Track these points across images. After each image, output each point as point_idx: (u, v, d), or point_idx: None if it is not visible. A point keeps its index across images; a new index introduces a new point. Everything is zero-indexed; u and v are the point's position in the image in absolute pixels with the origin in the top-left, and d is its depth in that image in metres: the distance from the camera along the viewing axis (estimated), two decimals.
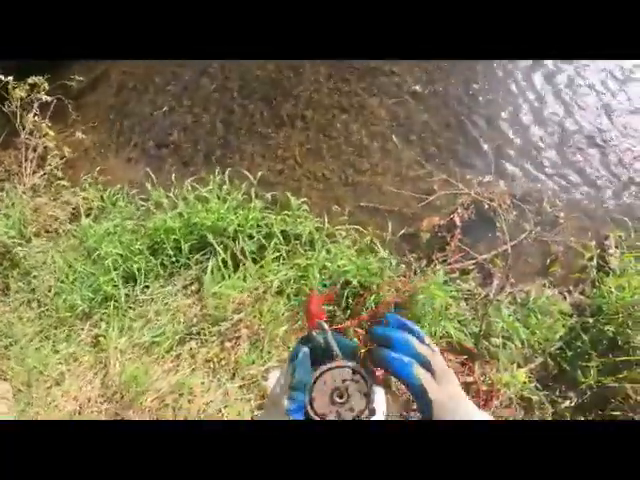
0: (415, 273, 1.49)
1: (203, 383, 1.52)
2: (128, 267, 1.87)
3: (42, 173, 2.54)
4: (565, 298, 1.75)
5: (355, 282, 1.44)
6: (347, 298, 1.46)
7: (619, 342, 1.55)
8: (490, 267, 1.66)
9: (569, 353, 1.57)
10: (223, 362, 1.50)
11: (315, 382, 0.39)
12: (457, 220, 1.67)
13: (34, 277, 2.12)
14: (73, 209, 2.40)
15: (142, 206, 2.05)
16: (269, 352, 1.43)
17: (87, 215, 2.23)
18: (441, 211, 1.74)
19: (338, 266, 1.46)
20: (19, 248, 2.20)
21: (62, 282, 2.04)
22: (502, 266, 1.60)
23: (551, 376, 1.58)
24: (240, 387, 1.45)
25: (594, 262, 1.75)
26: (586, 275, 1.77)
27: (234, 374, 1.44)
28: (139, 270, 1.82)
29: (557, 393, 1.55)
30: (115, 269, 1.90)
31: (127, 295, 1.83)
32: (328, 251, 1.55)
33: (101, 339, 1.83)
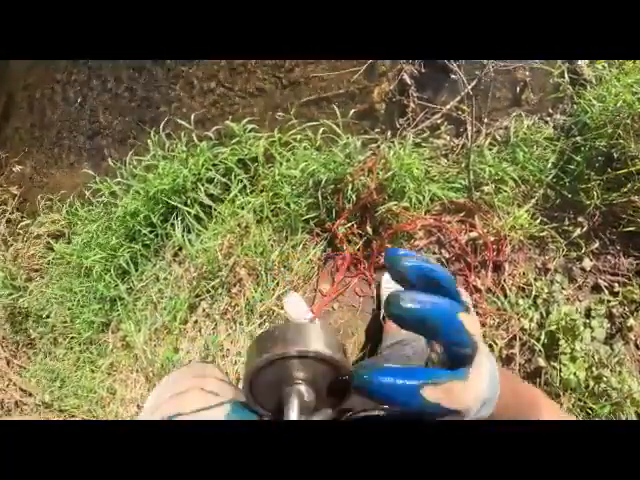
0: (379, 147, 1.38)
1: (229, 334, 1.54)
2: (117, 264, 1.86)
3: (5, 221, 2.47)
4: (547, 123, 1.63)
5: (325, 178, 1.35)
6: (326, 199, 1.38)
7: (615, 155, 1.45)
8: (459, 114, 1.53)
9: (566, 179, 1.49)
10: (237, 308, 1.50)
11: None
12: (407, 78, 1.50)
13: (47, 317, 2.16)
14: (46, 239, 2.37)
15: (100, 202, 1.97)
16: (273, 280, 1.41)
17: (57, 237, 2.21)
18: (388, 75, 1.56)
19: (302, 170, 1.37)
20: (21, 300, 2.21)
21: (70, 308, 2.07)
22: (470, 110, 1.46)
23: (555, 207, 1.52)
24: (260, 325, 1.46)
25: (566, 77, 1.59)
26: (562, 93, 1.62)
27: (248, 316, 1.44)
28: (127, 262, 1.80)
29: (566, 223, 1.50)
30: (107, 271, 1.90)
31: (129, 289, 1.84)
32: (288, 160, 1.45)
33: (127, 339, 1.88)
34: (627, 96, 1.45)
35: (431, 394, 0.25)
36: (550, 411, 0.38)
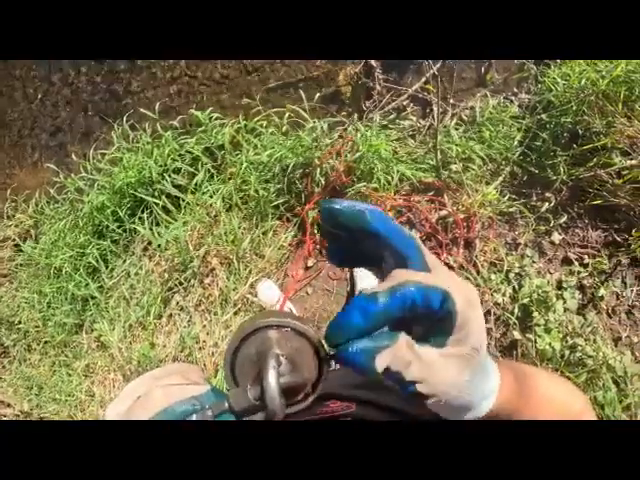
0: (346, 130, 1.36)
1: (204, 326, 1.52)
2: (86, 262, 1.80)
3: None
4: (512, 102, 1.65)
5: (293, 163, 1.33)
6: (294, 183, 1.36)
7: (580, 131, 1.47)
8: (425, 95, 1.52)
9: (533, 155, 1.51)
10: (211, 299, 1.47)
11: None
12: (372, 61, 1.49)
13: (19, 323, 2.08)
14: (13, 242, 2.28)
15: (66, 200, 1.90)
16: (245, 268, 1.38)
17: (25, 239, 2.13)
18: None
19: (269, 156, 1.34)
20: None
21: (41, 311, 2.01)
22: (436, 90, 1.46)
23: (522, 183, 1.54)
24: (235, 314, 1.43)
25: None
26: (526, 73, 1.64)
27: (223, 306, 1.42)
28: (96, 259, 1.75)
29: (534, 198, 1.52)
30: (76, 270, 1.85)
31: (100, 287, 1.79)
32: (255, 146, 1.42)
33: (102, 339, 1.84)
34: (591, 74, 1.48)
35: (391, 360, 0.24)
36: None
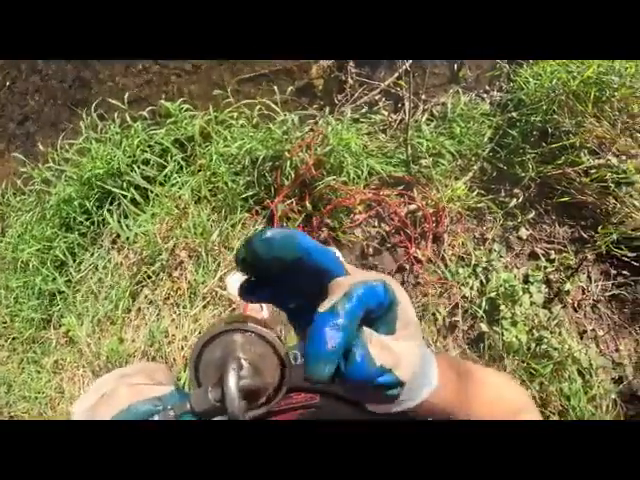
0: (317, 123, 1.36)
1: (173, 319, 1.49)
2: (53, 256, 1.75)
3: None
4: (484, 99, 1.67)
5: (263, 155, 1.32)
6: (264, 176, 1.35)
7: (549, 130, 1.50)
8: (397, 90, 1.53)
9: (502, 152, 1.54)
10: (180, 292, 1.45)
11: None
12: None
13: None
14: None
15: (32, 191, 1.85)
16: (214, 261, 1.37)
17: None
18: None
19: (239, 148, 1.33)
20: None
21: (8, 307, 1.95)
22: (408, 86, 1.47)
23: (491, 179, 1.56)
24: (204, 307, 1.42)
25: None
26: (499, 71, 1.67)
27: (192, 299, 1.40)
28: (64, 253, 1.70)
29: (502, 194, 1.55)
30: (43, 264, 1.79)
31: (67, 281, 1.74)
32: (225, 138, 1.40)
33: (70, 334, 1.79)
34: (562, 74, 1.51)
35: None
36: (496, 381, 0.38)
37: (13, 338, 1.98)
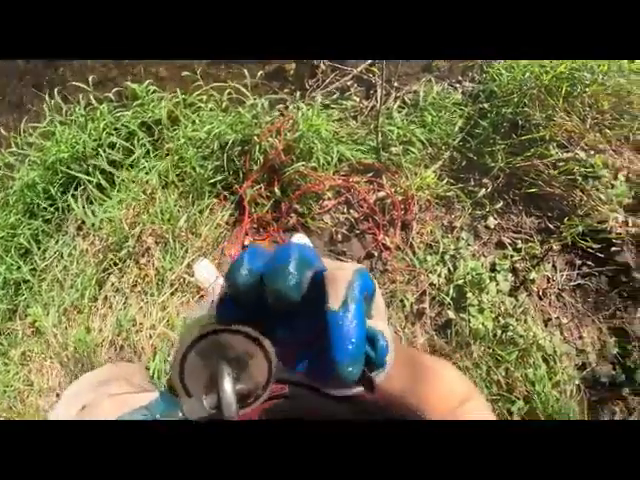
0: (287, 108, 1.35)
1: (141, 307, 1.47)
2: (17, 243, 1.69)
3: None
4: (456, 89, 1.69)
5: (232, 140, 1.30)
6: (233, 161, 1.33)
7: (520, 122, 1.52)
8: (369, 77, 1.53)
9: (473, 142, 1.56)
10: (147, 279, 1.43)
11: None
12: None
13: None
14: None
15: None
16: (182, 248, 1.35)
17: None
18: None
19: (207, 132, 1.30)
20: None
21: None
22: (381, 73, 1.47)
23: (461, 168, 1.59)
24: (172, 294, 1.40)
25: None
26: (472, 62, 1.69)
27: (159, 286, 1.38)
28: (28, 240, 1.64)
29: (471, 183, 1.57)
30: (7, 252, 1.73)
31: (32, 270, 1.69)
32: (194, 122, 1.38)
33: (36, 324, 1.74)
34: (535, 68, 1.54)
35: None
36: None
37: None
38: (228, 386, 0.25)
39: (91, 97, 1.49)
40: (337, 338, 0.23)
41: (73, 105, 1.55)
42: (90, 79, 1.50)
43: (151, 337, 1.45)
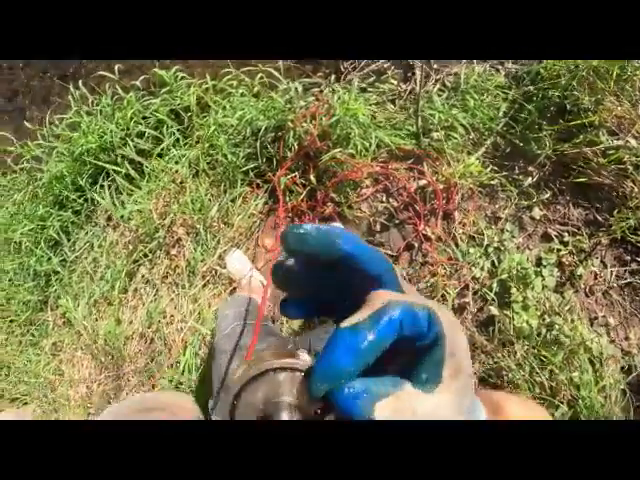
0: (322, 92, 1.27)
1: (172, 299, 1.44)
2: (47, 235, 1.69)
3: None
4: (498, 71, 1.58)
5: (265, 126, 1.24)
6: (266, 148, 1.27)
7: (567, 106, 1.42)
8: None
9: (518, 127, 1.46)
10: (178, 270, 1.39)
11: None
12: None
13: None
14: None
15: (23, 169, 1.78)
16: (213, 238, 1.30)
17: None
18: None
19: (239, 119, 1.25)
20: None
21: (4, 289, 1.91)
22: None
23: (505, 155, 1.49)
24: (204, 286, 1.36)
25: None
26: None
27: (190, 278, 1.34)
28: (58, 232, 1.64)
29: (516, 171, 1.48)
30: (37, 244, 1.74)
31: (62, 261, 1.69)
32: (224, 108, 1.32)
33: (67, 315, 1.75)
34: None
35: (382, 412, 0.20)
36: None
37: (10, 320, 1.94)
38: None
39: (117, 86, 1.46)
40: (323, 353, 0.20)
41: (99, 95, 1.52)
42: (116, 68, 1.47)
43: (182, 330, 1.42)
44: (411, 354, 0.22)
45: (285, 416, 0.23)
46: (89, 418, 1.61)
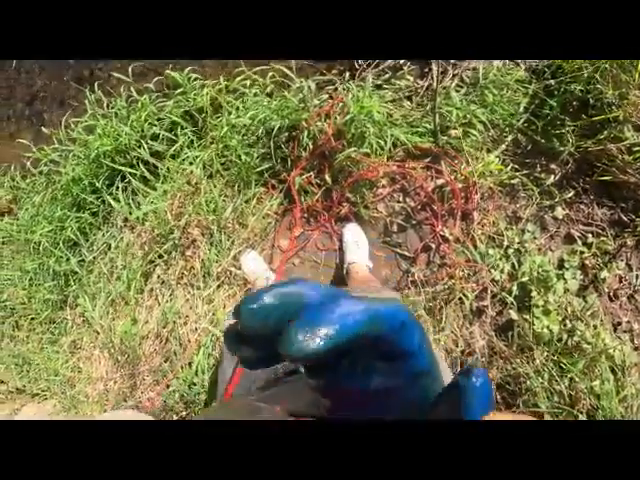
0: (336, 89, 1.25)
1: (187, 300, 1.45)
2: (65, 236, 1.73)
3: None
4: (518, 65, 1.53)
5: (278, 126, 1.22)
6: (280, 148, 1.26)
7: (590, 101, 1.36)
8: None
9: (539, 123, 1.41)
10: (193, 271, 1.40)
11: None
12: None
13: (5, 300, 2.03)
14: None
15: (42, 172, 1.82)
16: (228, 239, 1.30)
17: (4, 214, 2.05)
18: None
19: (252, 119, 1.24)
20: None
21: (25, 288, 1.96)
22: None
23: (526, 152, 1.44)
24: (218, 287, 1.36)
25: None
26: None
27: (205, 279, 1.34)
28: (75, 233, 1.67)
29: (538, 169, 1.43)
30: (56, 245, 1.78)
31: (80, 262, 1.72)
32: (238, 108, 1.32)
33: (85, 314, 1.79)
34: None
35: None
36: None
37: (32, 318, 2.00)
38: None
39: (132, 89, 1.46)
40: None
41: (114, 98, 1.54)
42: (130, 69, 1.48)
43: (196, 330, 1.43)
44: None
45: None
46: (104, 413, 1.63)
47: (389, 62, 1.36)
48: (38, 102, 1.96)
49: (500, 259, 1.35)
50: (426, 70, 1.40)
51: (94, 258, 1.64)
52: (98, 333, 1.76)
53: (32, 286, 1.92)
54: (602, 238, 1.35)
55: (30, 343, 1.99)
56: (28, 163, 1.86)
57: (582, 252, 1.35)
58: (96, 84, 1.55)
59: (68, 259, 1.75)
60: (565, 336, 1.25)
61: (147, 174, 1.41)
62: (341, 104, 1.24)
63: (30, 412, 1.88)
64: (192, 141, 1.37)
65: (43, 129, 1.70)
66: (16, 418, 1.79)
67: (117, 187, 1.47)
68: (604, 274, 1.31)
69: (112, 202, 1.37)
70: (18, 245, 2.04)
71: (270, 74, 1.31)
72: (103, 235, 1.61)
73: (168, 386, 1.49)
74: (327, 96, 1.28)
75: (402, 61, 1.38)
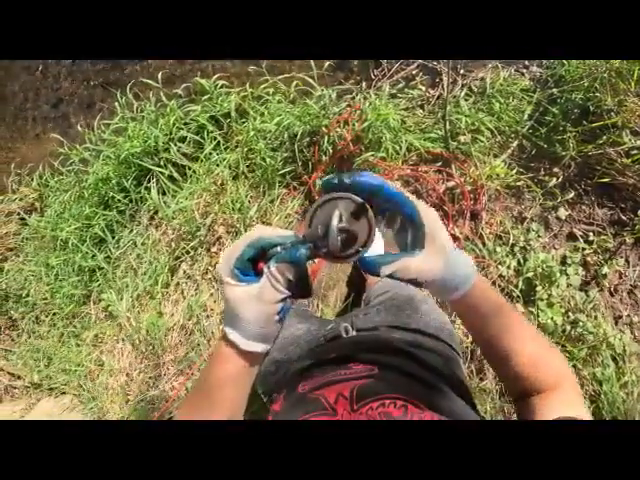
0: (354, 98, 1.33)
1: (212, 294, 1.53)
2: (92, 233, 1.80)
3: None
4: (523, 75, 1.61)
5: (301, 131, 1.31)
6: (302, 152, 1.35)
7: (591, 108, 1.44)
8: (434, 65, 1.49)
9: (542, 129, 1.48)
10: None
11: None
12: None
13: (27, 296, 2.09)
14: (18, 215, 2.27)
15: (70, 171, 1.89)
16: None
17: (30, 212, 2.12)
18: None
19: (276, 124, 1.32)
20: None
21: (49, 284, 2.02)
22: (447, 60, 1.43)
23: (530, 157, 1.52)
24: None
25: None
26: None
27: None
28: (103, 230, 1.75)
29: (542, 173, 1.51)
30: (83, 242, 1.85)
31: (107, 258, 1.80)
32: (262, 114, 1.40)
33: (110, 309, 1.85)
34: None
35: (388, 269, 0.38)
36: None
37: (54, 314, 2.05)
38: (335, 221, 0.35)
39: (161, 94, 1.55)
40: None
41: (143, 102, 1.62)
42: (159, 76, 1.56)
43: (222, 322, 1.51)
44: (401, 223, 0.39)
45: (337, 213, 0.36)
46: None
47: (403, 73, 1.45)
48: (64, 105, 2.05)
49: (507, 256, 1.43)
50: (437, 80, 1.48)
51: (120, 254, 1.72)
52: (122, 326, 1.82)
53: (56, 281, 1.99)
54: (602, 236, 1.42)
55: (50, 338, 2.03)
56: (56, 162, 1.95)
57: (584, 249, 1.43)
58: (127, 87, 1.63)
59: (94, 255, 1.82)
60: (568, 327, 1.32)
61: (175, 174, 1.49)
62: (359, 112, 1.32)
63: (47, 406, 1.92)
64: (218, 144, 1.46)
65: (79, 128, 1.78)
66: (32, 412, 1.85)
67: (145, 187, 1.56)
68: (605, 270, 1.38)
69: (147, 196, 1.45)
70: (43, 242, 2.11)
71: (294, 83, 1.40)
72: (130, 232, 1.69)
73: (192, 375, 1.57)
74: (346, 104, 1.37)
75: (415, 71, 1.47)
